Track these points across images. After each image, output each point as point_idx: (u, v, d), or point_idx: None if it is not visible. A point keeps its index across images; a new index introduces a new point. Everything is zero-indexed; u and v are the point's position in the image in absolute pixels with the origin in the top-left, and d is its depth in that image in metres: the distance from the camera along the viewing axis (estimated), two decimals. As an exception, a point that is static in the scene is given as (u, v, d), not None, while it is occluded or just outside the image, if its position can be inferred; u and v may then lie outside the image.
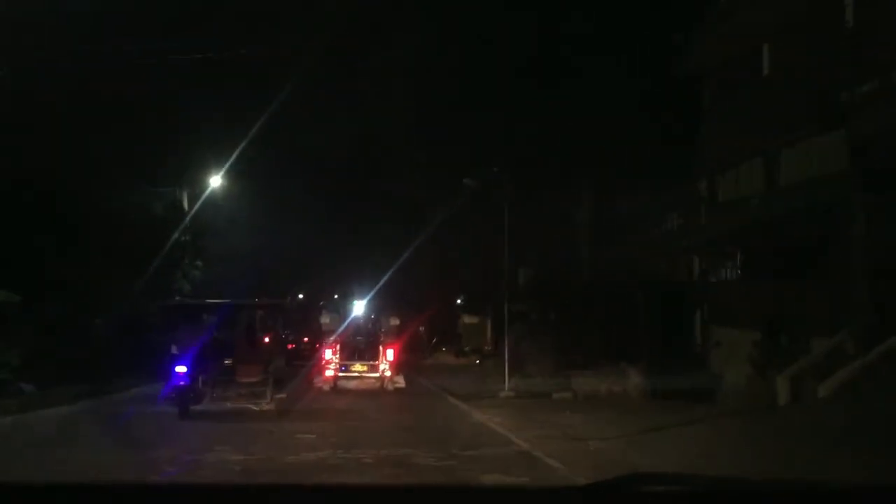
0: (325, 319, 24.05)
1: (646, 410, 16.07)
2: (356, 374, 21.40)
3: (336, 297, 34.77)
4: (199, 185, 33.51)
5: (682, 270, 23.93)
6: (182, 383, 14.94)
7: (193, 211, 33.66)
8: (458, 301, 40.20)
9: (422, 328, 36.87)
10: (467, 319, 35.60)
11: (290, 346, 41.30)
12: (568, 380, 20.32)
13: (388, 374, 21.11)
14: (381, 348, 21.53)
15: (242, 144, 29.75)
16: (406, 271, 34.73)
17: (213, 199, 33.93)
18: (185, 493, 2.90)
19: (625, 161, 23.37)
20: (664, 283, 23.00)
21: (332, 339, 22.21)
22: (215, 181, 33.01)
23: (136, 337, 27.86)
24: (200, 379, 15.37)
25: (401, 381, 21.39)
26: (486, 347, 32.96)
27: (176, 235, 32.25)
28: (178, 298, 31.84)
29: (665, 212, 25.73)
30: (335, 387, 21.03)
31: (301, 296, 47.74)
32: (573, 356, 22.25)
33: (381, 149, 32.88)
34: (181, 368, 14.98)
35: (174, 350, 15.67)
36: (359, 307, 25.12)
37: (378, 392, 20.99)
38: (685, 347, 21.03)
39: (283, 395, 16.19)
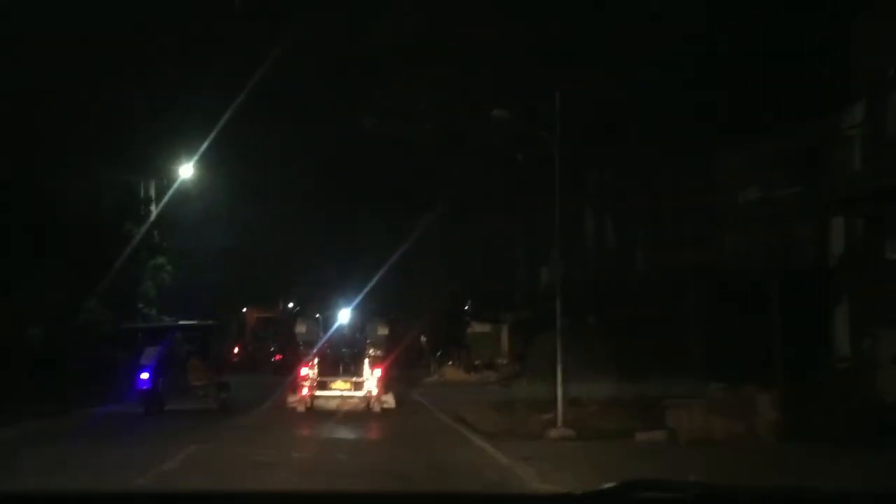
0: (300, 329, 20.08)
1: (819, 471, 9.64)
2: (337, 393, 18.11)
3: (311, 302, 29.25)
4: (168, 175, 28.54)
5: (798, 251, 15.99)
6: (145, 388, 18.07)
7: (162, 205, 28.66)
8: (466, 307, 34.85)
9: (423, 339, 31.52)
10: (477, 328, 29.17)
11: (277, 358, 37.73)
12: (642, 407, 13.71)
13: (374, 392, 17.78)
14: (366, 362, 18.29)
15: (219, 126, 25.96)
16: (403, 272, 30.11)
17: (184, 192, 28.86)
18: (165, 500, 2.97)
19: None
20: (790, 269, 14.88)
21: (310, 351, 19.01)
22: (186, 170, 28.03)
23: (90, 349, 24.74)
24: (160, 384, 18.28)
25: (390, 401, 17.90)
26: (499, 361, 27.14)
27: (141, 232, 27.32)
28: (140, 307, 28.61)
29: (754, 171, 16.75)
30: (311, 407, 17.88)
31: (291, 304, 43.25)
32: (642, 372, 15.23)
33: (377, 125, 27.56)
34: (144, 375, 18.10)
35: (142, 361, 18.64)
36: (345, 315, 21.08)
37: (363, 415, 17.52)
38: (819, 358, 14.03)
39: (225, 396, 19.40)
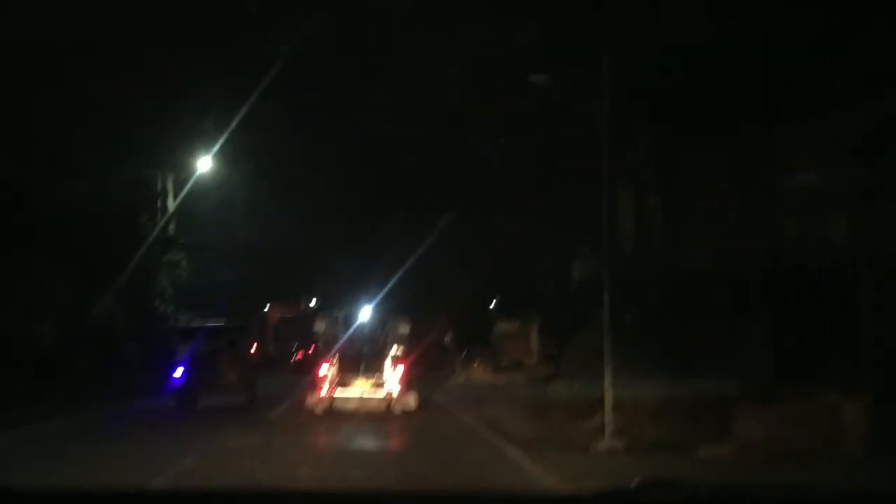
0: (319, 327, 19.45)
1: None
2: (357, 394, 17.41)
3: (331, 300, 28.28)
4: (185, 169, 27.50)
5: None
6: (179, 384, 18.63)
7: (179, 199, 27.63)
8: (492, 305, 33.36)
9: (448, 338, 30.09)
10: (505, 327, 27.30)
11: (297, 357, 37.42)
12: (699, 412, 11.46)
13: (395, 392, 17.09)
14: (387, 362, 17.51)
15: (238, 117, 24.51)
16: (426, 270, 28.83)
17: (202, 186, 27.79)
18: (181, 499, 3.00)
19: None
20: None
21: (329, 350, 18.26)
22: (204, 164, 26.93)
23: (106, 348, 24.00)
24: (193, 380, 18.73)
25: (412, 403, 17.12)
26: (529, 361, 25.55)
27: (157, 227, 26.35)
28: (156, 304, 27.90)
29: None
30: (330, 408, 17.14)
31: (313, 302, 42.22)
32: (695, 372, 13.05)
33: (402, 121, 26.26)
34: (178, 373, 18.72)
35: (176, 359, 19.45)
36: (366, 313, 20.32)
37: (384, 419, 16.54)
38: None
39: (253, 393, 20.16)
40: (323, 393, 17.11)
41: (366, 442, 13.64)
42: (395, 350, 17.83)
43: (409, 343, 18.73)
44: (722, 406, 10.63)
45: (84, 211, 21.88)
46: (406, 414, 16.57)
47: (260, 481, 9.28)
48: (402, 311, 20.55)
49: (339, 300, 26.67)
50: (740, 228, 14.57)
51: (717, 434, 10.23)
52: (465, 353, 28.14)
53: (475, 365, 27.45)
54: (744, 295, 12.64)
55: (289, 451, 11.51)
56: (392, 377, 17.21)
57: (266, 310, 48.84)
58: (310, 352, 32.36)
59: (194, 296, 29.68)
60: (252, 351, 25.72)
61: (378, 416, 16.62)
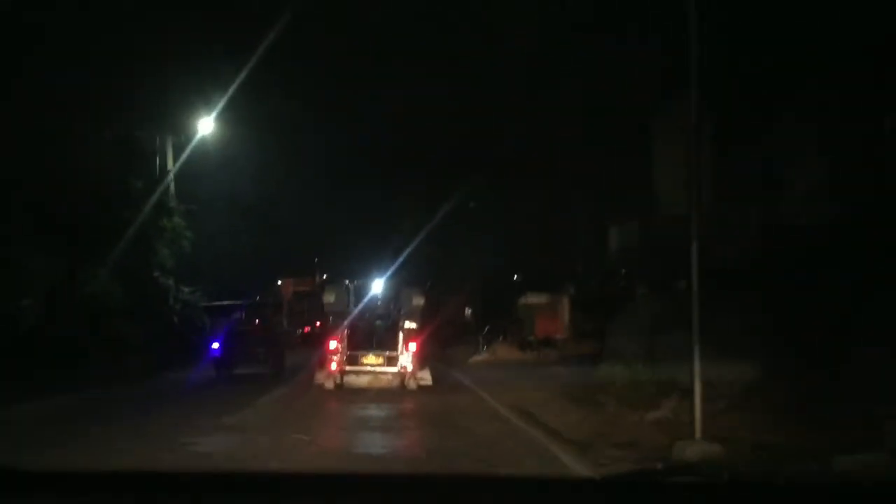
0: (328, 298, 17.96)
1: None
2: (368, 369, 16.29)
3: (342, 271, 26.47)
4: (185, 131, 25.10)
5: None
6: (216, 355, 20.41)
7: (179, 163, 25.26)
8: (515, 277, 30.79)
9: (469, 311, 27.68)
10: (532, 299, 24.58)
11: (306, 330, 36.09)
12: (804, 406, 8.34)
13: (409, 368, 15.93)
14: (400, 336, 16.24)
15: (241, 76, 22.29)
16: (445, 240, 26.49)
17: (205, 150, 25.43)
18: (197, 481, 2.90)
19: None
20: None
21: (340, 323, 16.91)
22: (206, 126, 24.55)
23: (95, 324, 21.69)
24: (228, 351, 20.30)
25: (427, 378, 16.07)
26: (558, 336, 22.87)
27: (157, 193, 24.01)
28: (156, 276, 25.51)
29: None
30: (341, 384, 16.16)
31: (325, 276, 40.13)
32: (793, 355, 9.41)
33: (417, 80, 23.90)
34: (215, 345, 20.62)
35: (214, 333, 21.80)
36: (378, 285, 18.80)
37: (398, 395, 15.14)
38: None
39: (280, 363, 20.95)
40: (333, 367, 16.04)
41: (375, 441, 10.24)
42: (408, 324, 16.64)
43: (424, 316, 17.65)
44: (850, 400, 7.82)
45: (69, 171, 19.38)
46: (426, 401, 14.24)
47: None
48: (417, 282, 19.55)
49: (351, 271, 26.60)
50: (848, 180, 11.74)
51: (850, 437, 7.06)
52: (487, 328, 25.53)
53: (500, 340, 24.90)
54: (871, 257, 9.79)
55: (281, 446, 9.04)
56: (406, 352, 16.04)
57: (279, 283, 46.76)
58: (317, 325, 30.44)
59: (198, 268, 27.45)
60: (256, 322, 24.45)
61: (391, 398, 14.55)
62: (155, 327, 23.91)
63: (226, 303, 26.96)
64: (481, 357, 23.50)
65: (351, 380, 16.18)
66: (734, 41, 13.39)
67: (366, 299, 17.83)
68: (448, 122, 26.34)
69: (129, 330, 22.73)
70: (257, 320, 24.49)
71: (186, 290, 26.58)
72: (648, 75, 18.07)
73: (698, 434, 7.33)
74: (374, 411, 12.88)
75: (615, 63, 18.53)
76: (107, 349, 20.67)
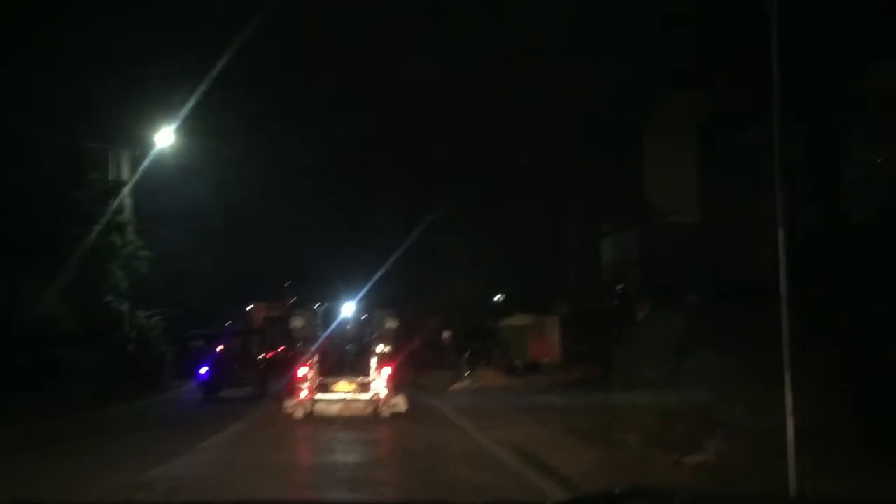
0: (296, 323, 16.92)
1: None
2: (340, 396, 15.56)
3: (311, 294, 27.16)
4: (142, 144, 23.06)
5: None
6: (204, 379, 21.72)
7: (136, 177, 23.21)
8: (497, 297, 28.78)
9: (446, 334, 25.74)
10: (517, 320, 22.39)
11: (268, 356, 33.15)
12: None
13: (382, 394, 15.29)
14: (373, 360, 15.66)
15: (202, 87, 20.32)
16: (420, 261, 24.81)
17: (164, 165, 23.38)
18: None
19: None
20: None
21: (308, 348, 16.06)
22: (165, 138, 22.55)
23: (38, 351, 19.44)
24: (216, 376, 21.66)
25: (401, 405, 15.26)
26: (546, 360, 20.78)
27: (111, 207, 22.03)
28: (108, 300, 23.26)
29: None
30: (311, 413, 15.28)
31: (293, 299, 38.09)
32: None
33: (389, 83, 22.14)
34: (203, 370, 21.75)
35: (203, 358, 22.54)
36: (349, 308, 18.28)
37: (372, 429, 13.81)
38: None
39: (263, 387, 21.87)
40: (302, 395, 15.30)
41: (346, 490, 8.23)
42: (381, 348, 15.89)
43: (398, 340, 17.01)
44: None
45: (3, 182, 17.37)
46: (405, 440, 12.37)
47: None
48: (390, 304, 18.82)
49: (321, 293, 25.59)
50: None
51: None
52: (469, 352, 23.42)
53: (482, 366, 22.81)
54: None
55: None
56: (379, 378, 15.41)
57: (249, 308, 44.26)
58: (279, 350, 28.58)
59: (157, 291, 25.20)
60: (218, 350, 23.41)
61: (364, 436, 12.71)
62: (106, 355, 21.67)
63: (211, 331, 26.83)
64: (463, 384, 21.47)
65: (321, 408, 15.33)
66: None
67: (336, 323, 17.07)
68: (424, 133, 24.50)
69: (76, 357, 20.53)
70: (241, 346, 24.38)
71: (143, 314, 24.36)
72: (641, 77, 16.52)
73: (793, 489, 5.12)
74: (343, 455, 10.71)
75: (608, 66, 17.03)
76: (51, 378, 18.53)
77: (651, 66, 16.42)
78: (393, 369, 15.61)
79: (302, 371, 15.45)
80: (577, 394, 13.89)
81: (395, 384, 15.62)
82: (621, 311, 17.67)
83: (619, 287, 19.51)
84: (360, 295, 19.46)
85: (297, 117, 30.95)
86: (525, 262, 24.04)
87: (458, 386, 21.30)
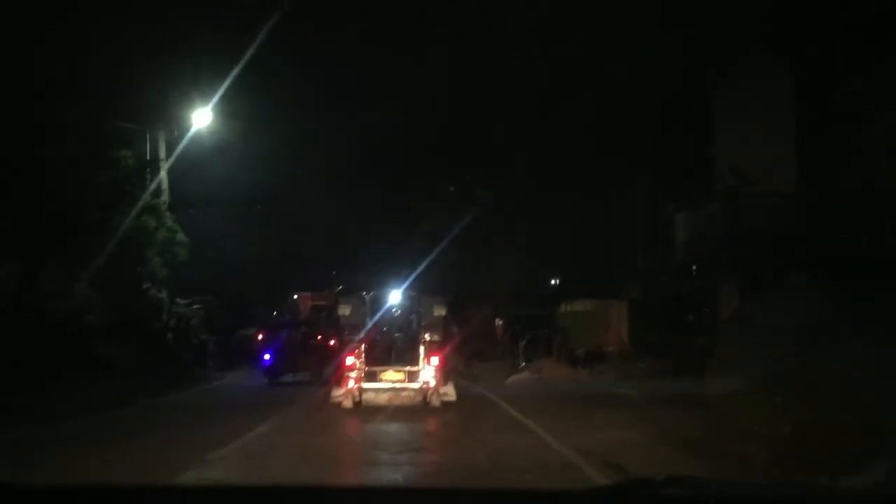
0: (343, 311, 16.59)
1: None
2: (388, 385, 15.19)
3: (358, 281, 25.28)
4: (180, 125, 21.91)
5: None
6: (267, 365, 23.38)
7: (173, 158, 22.02)
8: (553, 281, 26.91)
9: (499, 321, 24.07)
10: (579, 306, 20.58)
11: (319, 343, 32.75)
12: None
13: (432, 383, 14.84)
14: (422, 349, 15.26)
15: (243, 62, 19.29)
16: (471, 242, 23.28)
17: (202, 146, 22.21)
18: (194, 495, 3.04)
19: None
20: None
21: (355, 337, 15.72)
22: (202, 118, 21.29)
23: (70, 343, 17.81)
24: (277, 362, 23.47)
25: (451, 393, 14.90)
26: (609, 348, 18.78)
27: (146, 192, 20.86)
28: (147, 288, 22.23)
29: None
30: (359, 402, 14.93)
31: (340, 287, 36.47)
32: None
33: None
34: (267, 357, 23.51)
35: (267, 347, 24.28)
36: (396, 295, 17.47)
37: (422, 418, 13.49)
38: None
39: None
40: (350, 384, 14.94)
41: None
42: (430, 336, 15.60)
43: (447, 328, 16.96)
44: None
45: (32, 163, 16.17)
46: (465, 447, 10.29)
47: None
48: (439, 291, 18.32)
49: (367, 281, 24.58)
50: None
51: None
52: (525, 340, 21.61)
53: (541, 356, 20.98)
54: None
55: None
56: (428, 366, 15.05)
57: (295, 297, 42.37)
58: (329, 338, 27.85)
59: (196, 280, 23.94)
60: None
61: (417, 439, 11.27)
62: (143, 346, 20.39)
63: (268, 323, 29.33)
64: (521, 375, 19.68)
65: (370, 397, 15.06)
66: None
67: (383, 310, 16.54)
68: (476, 112, 22.78)
69: (111, 349, 19.27)
70: (299, 335, 25.80)
71: (182, 302, 23.15)
72: (717, 38, 14.60)
73: None
74: (390, 472, 8.79)
75: (677, 29, 15.29)
76: (83, 371, 17.24)
77: (729, 25, 14.49)
78: (441, 358, 15.33)
79: (350, 360, 15.12)
80: (656, 385, 11.98)
81: (445, 373, 15.41)
82: (699, 294, 15.74)
83: (693, 268, 17.44)
84: (408, 282, 18.80)
85: (338, 101, 29.47)
86: (584, 246, 22.01)
87: (515, 377, 19.70)
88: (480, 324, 25.65)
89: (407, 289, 17.95)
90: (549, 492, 3.87)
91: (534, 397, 14.52)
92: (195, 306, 24.05)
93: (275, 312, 45.31)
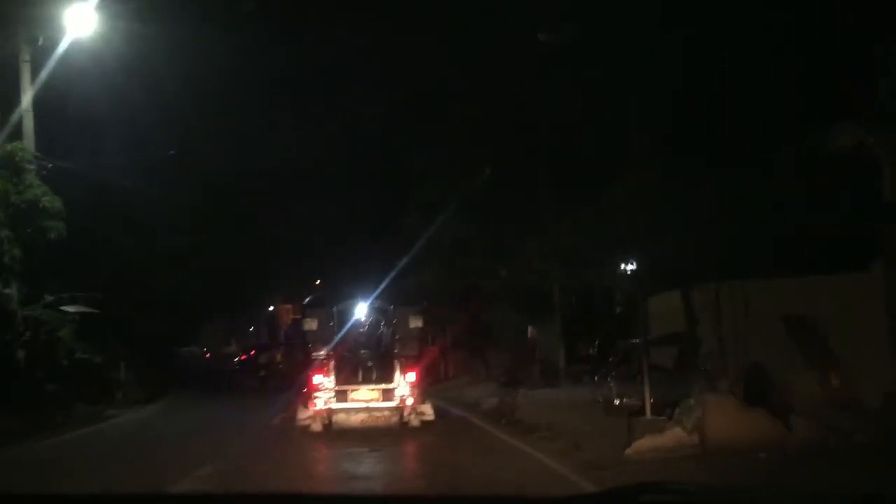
0: (310, 325, 16.18)
1: None
2: (361, 405, 14.92)
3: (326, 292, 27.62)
4: (49, 28, 16.60)
5: None
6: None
7: (39, 81, 16.23)
8: (630, 267, 21.97)
9: (532, 330, 23.45)
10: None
11: (241, 358, 35.22)
12: None
13: (409, 401, 14.86)
14: (397, 364, 15.35)
15: None
16: (449, 246, 22.77)
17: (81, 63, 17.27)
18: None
19: None
20: None
21: (322, 353, 15.24)
22: (82, 21, 16.11)
23: None
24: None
25: (428, 412, 15.01)
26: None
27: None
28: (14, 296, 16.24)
29: None
30: (328, 425, 14.74)
31: (307, 299, 36.27)
32: None
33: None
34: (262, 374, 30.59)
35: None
36: (367, 307, 17.17)
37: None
38: None
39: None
40: (319, 405, 14.71)
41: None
42: (405, 350, 15.54)
43: (422, 340, 17.11)
44: None
45: None
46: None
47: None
48: (409, 300, 18.59)
49: (336, 292, 24.96)
50: None
51: None
52: (613, 357, 16.50)
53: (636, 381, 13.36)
54: None
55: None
56: (403, 383, 15.00)
57: (271, 309, 40.05)
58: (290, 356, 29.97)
59: (82, 270, 18.71)
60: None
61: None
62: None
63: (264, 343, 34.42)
64: (663, 438, 10.26)
65: (341, 419, 14.90)
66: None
67: (351, 323, 16.33)
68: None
69: None
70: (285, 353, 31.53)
71: (47, 300, 17.93)
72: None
73: None
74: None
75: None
76: None
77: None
78: (418, 373, 15.36)
79: (317, 378, 14.91)
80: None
81: (422, 390, 15.36)
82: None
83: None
84: (377, 292, 18.70)
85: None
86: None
87: (644, 444, 10.25)
88: (500, 333, 23.45)
89: (376, 299, 17.72)
90: (531, 499, 4.22)
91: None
92: (70, 308, 17.97)
93: (251, 328, 44.24)
